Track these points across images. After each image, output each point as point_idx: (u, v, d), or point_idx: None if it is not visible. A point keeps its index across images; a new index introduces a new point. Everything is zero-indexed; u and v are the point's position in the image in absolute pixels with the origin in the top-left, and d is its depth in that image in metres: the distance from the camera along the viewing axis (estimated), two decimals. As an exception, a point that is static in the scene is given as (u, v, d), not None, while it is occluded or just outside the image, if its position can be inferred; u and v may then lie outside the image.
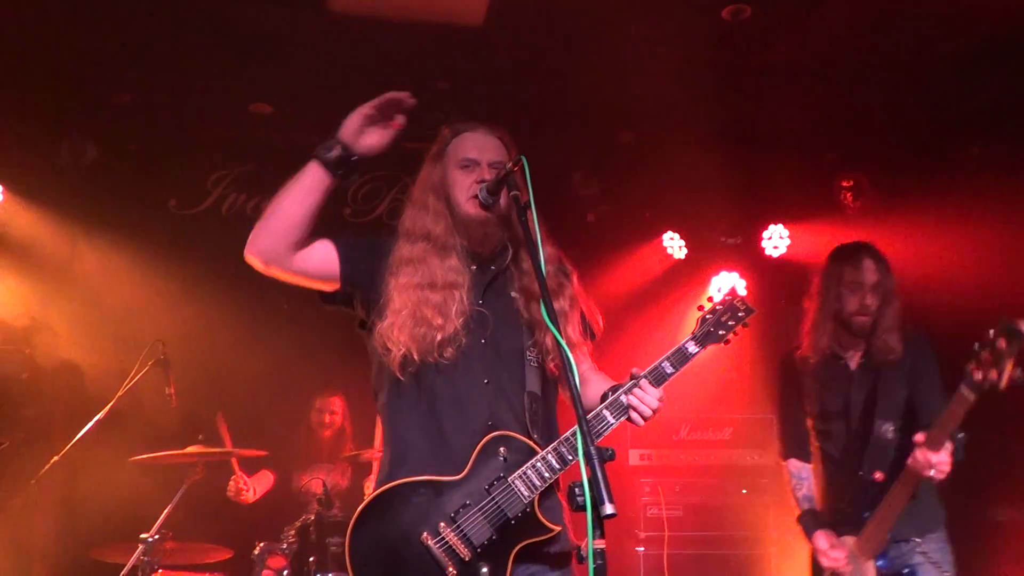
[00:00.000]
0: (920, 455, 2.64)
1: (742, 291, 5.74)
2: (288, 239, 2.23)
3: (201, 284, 5.10)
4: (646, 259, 5.96)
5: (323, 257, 2.32)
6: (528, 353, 2.33)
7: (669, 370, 2.28)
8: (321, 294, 2.40)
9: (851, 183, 5.56)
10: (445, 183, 2.40)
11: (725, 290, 2.53)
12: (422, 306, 2.26)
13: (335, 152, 2.22)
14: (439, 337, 2.24)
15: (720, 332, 2.40)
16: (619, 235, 5.86)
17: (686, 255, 5.93)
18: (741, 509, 5.28)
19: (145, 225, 5.21)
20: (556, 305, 2.15)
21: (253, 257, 2.25)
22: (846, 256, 3.16)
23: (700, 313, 2.43)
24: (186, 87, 4.85)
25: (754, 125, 5.34)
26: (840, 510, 3.08)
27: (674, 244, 5.95)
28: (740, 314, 2.43)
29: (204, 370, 4.93)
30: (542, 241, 2.07)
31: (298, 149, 5.71)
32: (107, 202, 5.13)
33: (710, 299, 2.49)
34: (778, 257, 5.84)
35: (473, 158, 2.38)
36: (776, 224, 5.85)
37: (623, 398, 2.22)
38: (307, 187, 2.23)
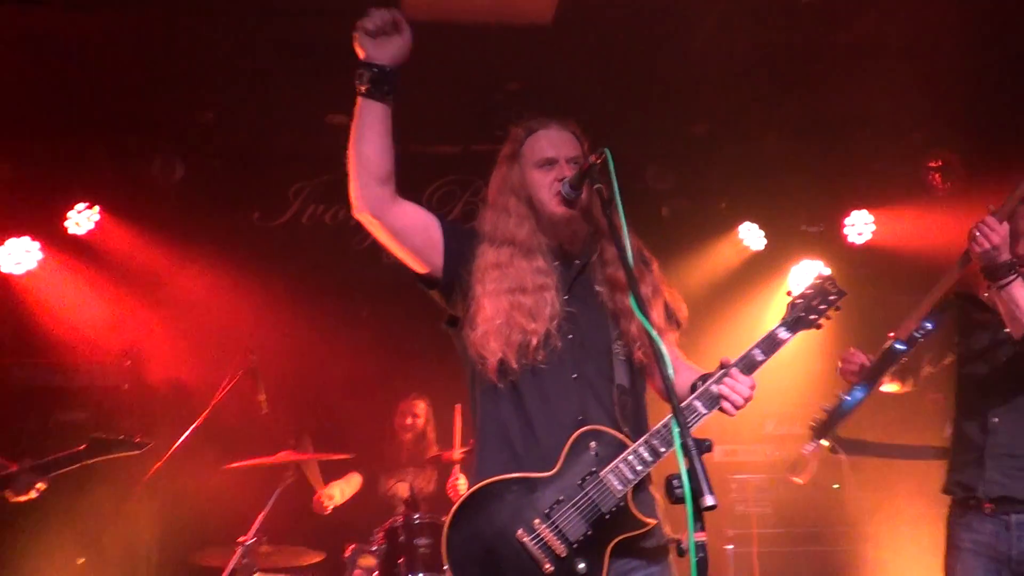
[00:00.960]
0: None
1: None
2: (375, 178, 2.24)
3: (286, 293, 5.27)
4: (723, 251, 5.85)
5: (423, 222, 2.33)
6: (615, 345, 2.31)
7: (760, 357, 2.24)
8: (419, 276, 2.39)
9: (940, 163, 5.33)
10: (525, 184, 2.39)
11: (812, 275, 2.45)
12: (514, 312, 2.26)
13: (367, 76, 2.22)
14: (534, 341, 2.24)
15: (811, 317, 2.34)
16: (695, 228, 5.78)
17: (765, 245, 5.80)
18: (833, 504, 5.13)
19: (232, 238, 5.40)
20: (642, 294, 2.11)
21: (360, 213, 2.27)
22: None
23: (790, 298, 2.37)
24: (265, 101, 4.99)
25: (833, 108, 5.18)
26: None
27: (752, 235, 5.83)
28: (832, 297, 2.36)
29: (292, 377, 5.07)
30: (623, 234, 2.06)
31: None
32: (196, 217, 5.32)
33: (800, 283, 2.46)
34: (863, 244, 5.65)
35: (551, 156, 2.37)
36: (860, 210, 5.66)
37: (714, 388, 2.19)
38: (365, 122, 2.24)
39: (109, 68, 4.63)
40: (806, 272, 5.62)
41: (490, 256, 2.35)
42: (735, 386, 2.18)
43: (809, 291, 2.37)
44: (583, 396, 2.26)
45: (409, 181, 6.17)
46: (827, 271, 5.59)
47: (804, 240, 5.80)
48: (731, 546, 5.05)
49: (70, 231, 5.28)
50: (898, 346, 2.96)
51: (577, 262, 2.40)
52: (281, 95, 4.92)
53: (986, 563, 2.73)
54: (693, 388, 2.24)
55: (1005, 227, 2.61)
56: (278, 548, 4.25)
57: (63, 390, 5.20)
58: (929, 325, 2.91)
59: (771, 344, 2.26)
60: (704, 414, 2.18)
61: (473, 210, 2.59)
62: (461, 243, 2.36)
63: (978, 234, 2.59)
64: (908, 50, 4.56)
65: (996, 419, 2.81)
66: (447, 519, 2.20)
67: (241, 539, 4.04)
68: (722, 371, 2.21)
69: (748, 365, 2.23)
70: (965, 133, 5.24)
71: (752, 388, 2.20)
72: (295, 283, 5.31)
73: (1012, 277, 2.56)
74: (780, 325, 2.31)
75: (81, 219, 5.29)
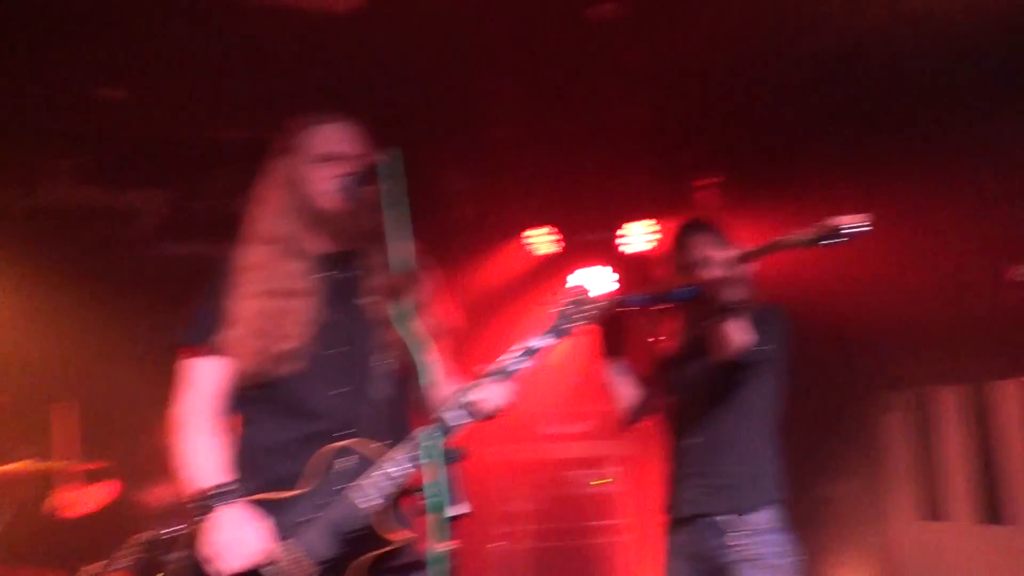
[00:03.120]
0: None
1: (608, 286, 5.92)
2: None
3: (39, 281, 4.78)
4: (515, 254, 6.02)
5: (226, 373, 2.20)
6: (377, 357, 2.23)
7: (515, 367, 2.24)
8: None
9: (706, 183, 5.82)
10: (298, 179, 2.26)
11: (574, 286, 2.47)
12: (267, 316, 2.14)
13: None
14: (286, 348, 2.13)
15: (567, 327, 2.35)
16: (489, 231, 5.90)
17: (552, 251, 6.05)
18: (598, 500, 5.42)
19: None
20: (410, 302, 2.08)
21: None
22: (676, 242, 3.16)
23: (547, 309, 2.39)
24: (25, 69, 4.50)
25: (615, 123, 5.49)
26: None
27: (543, 239, 6.06)
28: (588, 309, 2.39)
29: (45, 374, 4.63)
30: (400, 237, 2.00)
31: (150, 138, 5.44)
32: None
33: (558, 295, 2.44)
34: (639, 253, 6.02)
35: (331, 152, 2.26)
36: (640, 220, 6.02)
37: (467, 397, 2.18)
38: None
39: None
40: (588, 278, 5.94)
41: (250, 256, 2.22)
42: (489, 395, 2.18)
43: (566, 303, 2.39)
44: (344, 411, 2.17)
45: (199, 167, 5.85)
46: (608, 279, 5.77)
47: (592, 246, 6.11)
48: (497, 544, 5.19)
49: None
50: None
51: (346, 271, 2.29)
52: (45, 63, 4.46)
53: (687, 564, 2.96)
54: (452, 398, 2.19)
55: (738, 269, 2.68)
56: (12, 570, 3.85)
57: None
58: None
59: (527, 354, 2.27)
60: (458, 424, 2.16)
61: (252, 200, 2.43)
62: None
63: (707, 263, 2.66)
64: (680, 75, 4.89)
65: (690, 439, 3.01)
66: (182, 547, 2.08)
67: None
68: (477, 381, 2.21)
69: (503, 374, 2.23)
70: (730, 158, 5.74)
71: (507, 397, 2.21)
72: (51, 271, 4.82)
73: (734, 314, 2.67)
74: (536, 335, 2.32)
75: None
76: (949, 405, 5.34)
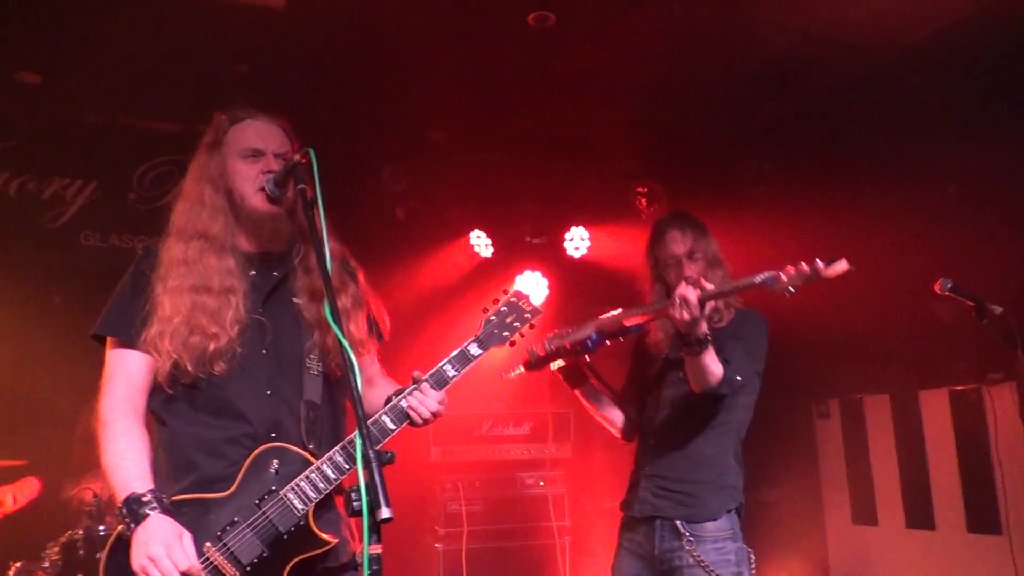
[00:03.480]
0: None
1: (544, 290, 5.91)
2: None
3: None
4: (453, 257, 5.97)
5: (150, 369, 2.14)
6: (308, 359, 2.21)
7: (451, 373, 2.25)
8: None
9: (646, 189, 5.88)
10: (225, 175, 2.23)
11: (512, 292, 2.48)
12: (195, 312, 2.10)
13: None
14: (212, 347, 2.09)
15: (504, 333, 2.38)
16: (427, 232, 5.84)
17: (492, 254, 6.02)
18: (539, 501, 5.44)
19: None
20: (339, 304, 2.06)
21: None
22: (653, 236, 3.14)
23: (484, 315, 2.40)
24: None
25: (558, 130, 5.51)
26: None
27: (481, 243, 6.02)
28: (525, 315, 2.41)
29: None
30: (327, 238, 1.97)
31: (70, 125, 5.22)
32: None
33: (495, 300, 2.45)
34: (579, 258, 6.06)
35: (258, 147, 2.23)
36: (578, 226, 6.06)
37: (403, 402, 2.18)
38: None
39: None
40: (528, 282, 5.92)
41: (176, 251, 2.17)
42: (424, 400, 2.18)
43: (504, 308, 2.41)
44: (274, 413, 2.14)
45: (122, 157, 5.64)
46: (545, 283, 5.74)
47: (529, 250, 6.11)
48: (440, 544, 5.17)
49: None
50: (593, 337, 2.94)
51: (276, 272, 2.27)
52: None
53: (637, 561, 2.99)
54: (387, 402, 2.21)
55: (697, 306, 2.64)
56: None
57: None
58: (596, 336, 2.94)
59: (463, 360, 2.28)
60: (393, 429, 2.16)
61: (178, 195, 2.35)
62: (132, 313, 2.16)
63: (679, 304, 2.62)
64: (623, 84, 4.95)
65: (652, 441, 3.04)
66: (105, 547, 2.01)
67: None
68: (413, 386, 2.21)
69: (439, 380, 2.24)
70: (668, 166, 5.83)
71: (442, 403, 2.21)
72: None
73: (705, 348, 2.69)
74: (472, 341, 2.33)
75: None
76: (879, 413, 5.49)
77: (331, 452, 2.12)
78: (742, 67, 4.74)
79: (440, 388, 2.23)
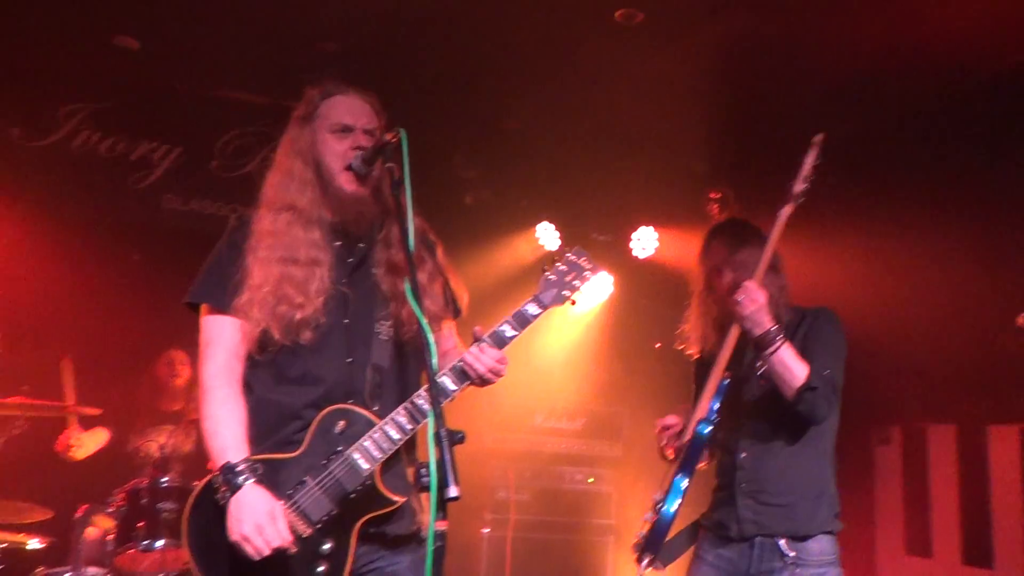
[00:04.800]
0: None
1: (609, 287, 5.89)
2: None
3: (41, 221, 4.73)
4: (518, 247, 6.00)
5: (243, 335, 2.19)
6: (380, 325, 2.25)
7: (510, 333, 2.20)
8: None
9: (719, 195, 5.80)
10: (315, 148, 2.27)
11: (571, 249, 2.37)
12: (283, 282, 2.16)
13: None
14: (298, 316, 2.15)
15: (564, 292, 2.29)
16: (495, 220, 5.88)
17: (558, 247, 6.03)
18: (586, 497, 5.45)
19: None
20: (418, 277, 2.08)
21: None
22: (704, 244, 3.05)
23: (544, 274, 2.31)
24: (43, 12, 4.44)
25: (633, 128, 5.46)
26: None
27: (547, 235, 6.03)
28: (586, 272, 2.32)
29: (38, 315, 4.58)
30: (408, 214, 2.01)
31: (161, 91, 5.37)
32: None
33: (555, 258, 2.35)
34: (645, 258, 6.01)
35: (348, 123, 2.27)
36: (647, 226, 6.02)
37: (462, 361, 2.16)
38: None
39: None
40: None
41: (266, 222, 2.24)
42: (480, 356, 2.15)
43: (563, 266, 2.31)
44: (349, 378, 2.19)
45: (207, 125, 5.81)
46: (611, 280, 5.64)
47: (594, 247, 6.08)
48: (487, 530, 5.22)
49: None
50: (703, 428, 2.81)
51: (361, 245, 2.32)
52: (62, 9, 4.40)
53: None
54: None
55: (765, 293, 2.66)
56: (-1, 502, 3.83)
57: None
58: (716, 405, 2.84)
59: (521, 320, 2.22)
60: (455, 389, 2.16)
61: (270, 165, 2.42)
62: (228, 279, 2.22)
63: (742, 299, 2.61)
64: (703, 87, 4.89)
65: (744, 454, 2.86)
66: (189, 500, 2.08)
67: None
68: (473, 345, 2.20)
69: (498, 340, 2.19)
70: (741, 172, 5.73)
71: (501, 362, 2.18)
72: (54, 213, 4.79)
73: (778, 344, 2.62)
74: (531, 300, 2.25)
75: None
76: (944, 444, 5.33)
77: (392, 413, 2.14)
78: (821, 79, 4.65)
79: (500, 347, 2.19)
